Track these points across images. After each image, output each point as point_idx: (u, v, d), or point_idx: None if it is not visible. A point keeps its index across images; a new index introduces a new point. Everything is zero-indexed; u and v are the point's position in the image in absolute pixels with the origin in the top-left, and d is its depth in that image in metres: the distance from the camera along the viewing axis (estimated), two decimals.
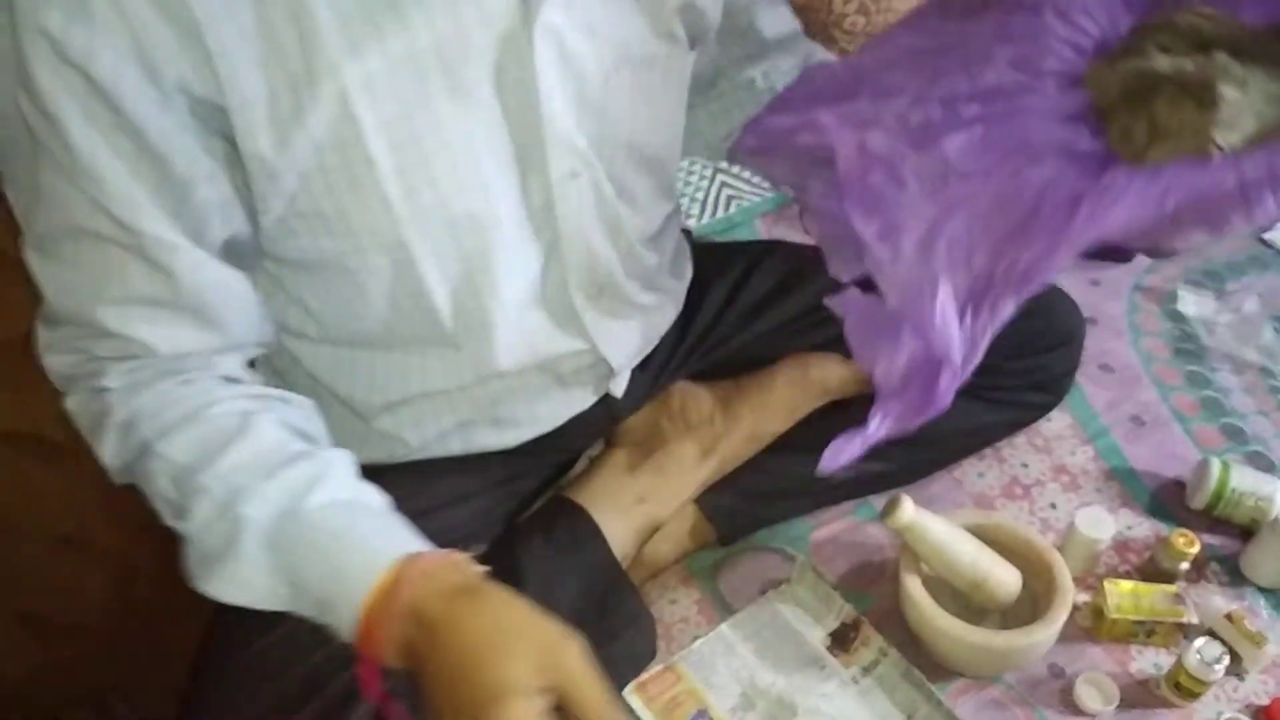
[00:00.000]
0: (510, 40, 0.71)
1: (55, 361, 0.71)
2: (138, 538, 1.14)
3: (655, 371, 1.06)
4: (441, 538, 0.79)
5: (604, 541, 1.00)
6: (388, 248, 0.73)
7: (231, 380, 0.74)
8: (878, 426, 0.81)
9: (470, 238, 0.77)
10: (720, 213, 1.49)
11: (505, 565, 0.91)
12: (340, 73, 0.65)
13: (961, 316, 0.76)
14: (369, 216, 0.71)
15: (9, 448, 1.00)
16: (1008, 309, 0.75)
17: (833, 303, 0.85)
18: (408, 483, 0.85)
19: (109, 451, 0.70)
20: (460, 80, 0.71)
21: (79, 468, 1.04)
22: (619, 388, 1.00)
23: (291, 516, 0.66)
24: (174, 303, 0.69)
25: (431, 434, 0.90)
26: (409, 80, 0.68)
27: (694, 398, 1.13)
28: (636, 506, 1.05)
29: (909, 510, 0.95)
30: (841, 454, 0.82)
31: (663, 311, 1.03)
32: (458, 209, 0.74)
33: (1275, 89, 0.75)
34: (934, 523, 0.97)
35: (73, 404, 0.72)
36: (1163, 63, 0.77)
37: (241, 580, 0.66)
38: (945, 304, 0.75)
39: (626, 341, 0.96)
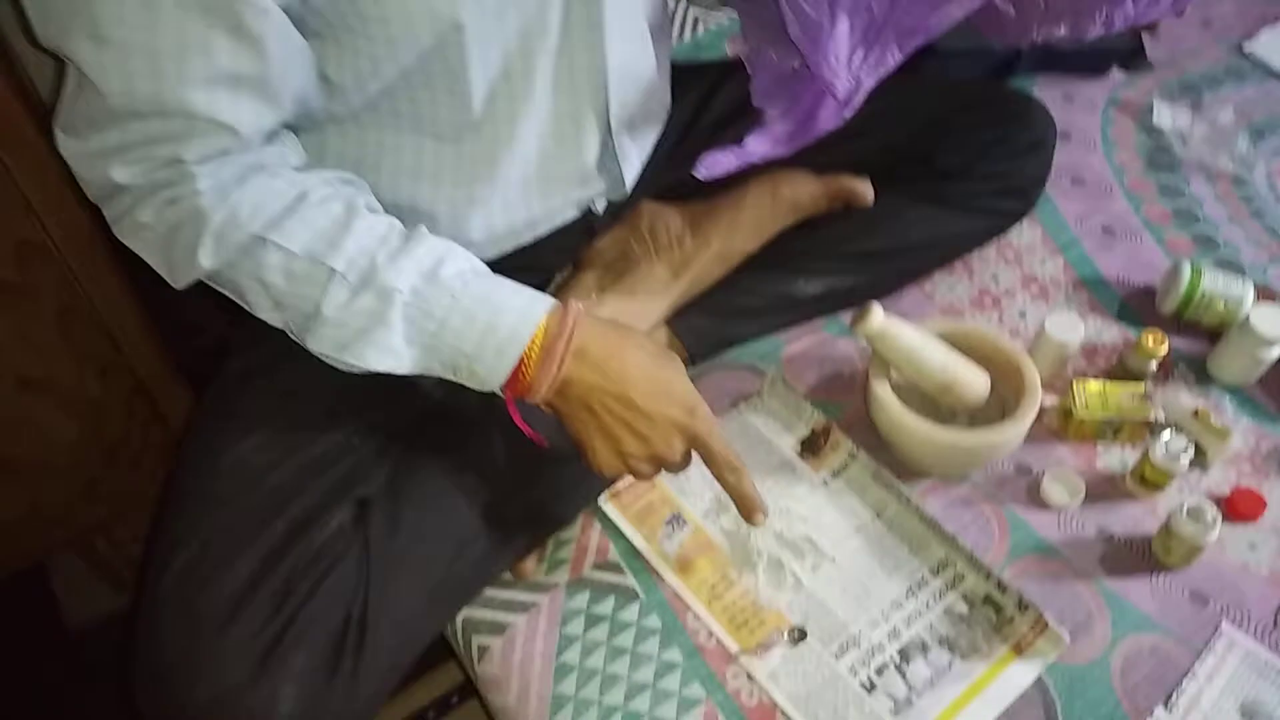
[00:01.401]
0: None
1: (124, 172, 0.68)
2: (102, 378, 1.13)
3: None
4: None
5: None
6: (438, 28, 0.72)
7: (303, 169, 0.75)
8: (755, 144, 0.93)
9: (518, 18, 0.76)
10: (688, 35, 1.44)
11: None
12: None
13: (852, 54, 0.86)
14: None
15: None
16: (894, 59, 0.87)
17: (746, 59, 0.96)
18: None
19: (207, 254, 0.70)
20: None
21: (35, 309, 1.02)
22: (601, 203, 0.98)
23: (433, 285, 0.71)
24: (257, 77, 0.67)
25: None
26: None
27: (663, 218, 1.11)
28: None
29: (879, 317, 0.95)
30: (718, 164, 0.92)
31: (660, 120, 1.00)
32: None
33: None
34: (903, 329, 0.97)
35: (147, 215, 0.70)
36: None
37: (390, 348, 0.71)
38: (840, 38, 0.85)
39: (638, 156, 0.95)
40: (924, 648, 0.88)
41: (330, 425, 0.83)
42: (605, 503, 0.97)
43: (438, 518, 0.84)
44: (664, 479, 0.99)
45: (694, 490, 0.98)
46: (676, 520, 0.97)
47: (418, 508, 0.84)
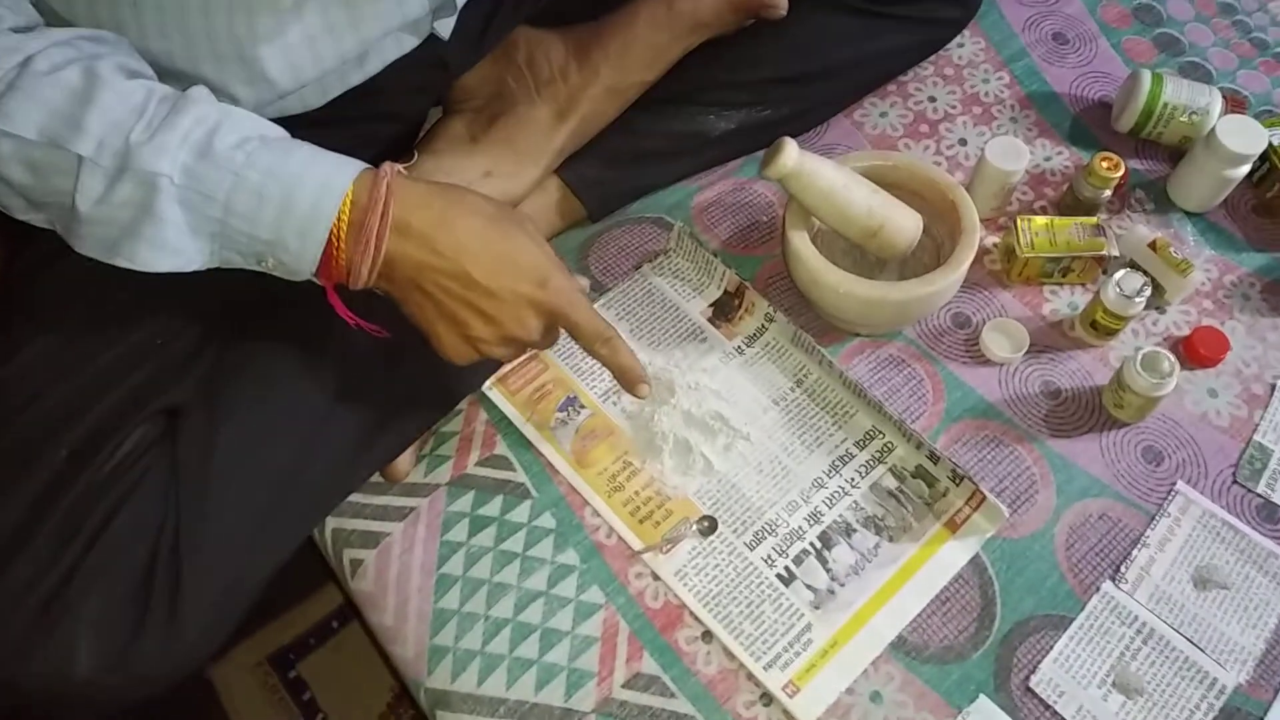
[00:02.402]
0: None
1: None
2: None
3: (489, 6, 0.86)
4: None
5: None
6: None
7: (25, 29, 0.59)
8: None
9: None
10: None
11: None
12: None
13: None
14: None
15: None
16: None
17: None
18: None
19: None
20: None
21: None
22: (446, 26, 0.81)
23: (207, 161, 0.57)
24: None
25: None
26: None
27: (543, 47, 0.94)
28: (481, 182, 0.90)
29: (792, 155, 0.81)
30: None
31: None
32: None
33: None
34: (822, 167, 0.83)
35: None
36: None
37: (167, 244, 0.58)
38: None
39: None
40: (848, 530, 0.79)
41: (128, 324, 0.69)
42: (490, 388, 0.85)
43: (273, 420, 0.72)
44: (556, 356, 0.87)
45: (591, 368, 0.87)
46: (573, 403, 0.85)
47: (246, 410, 0.70)
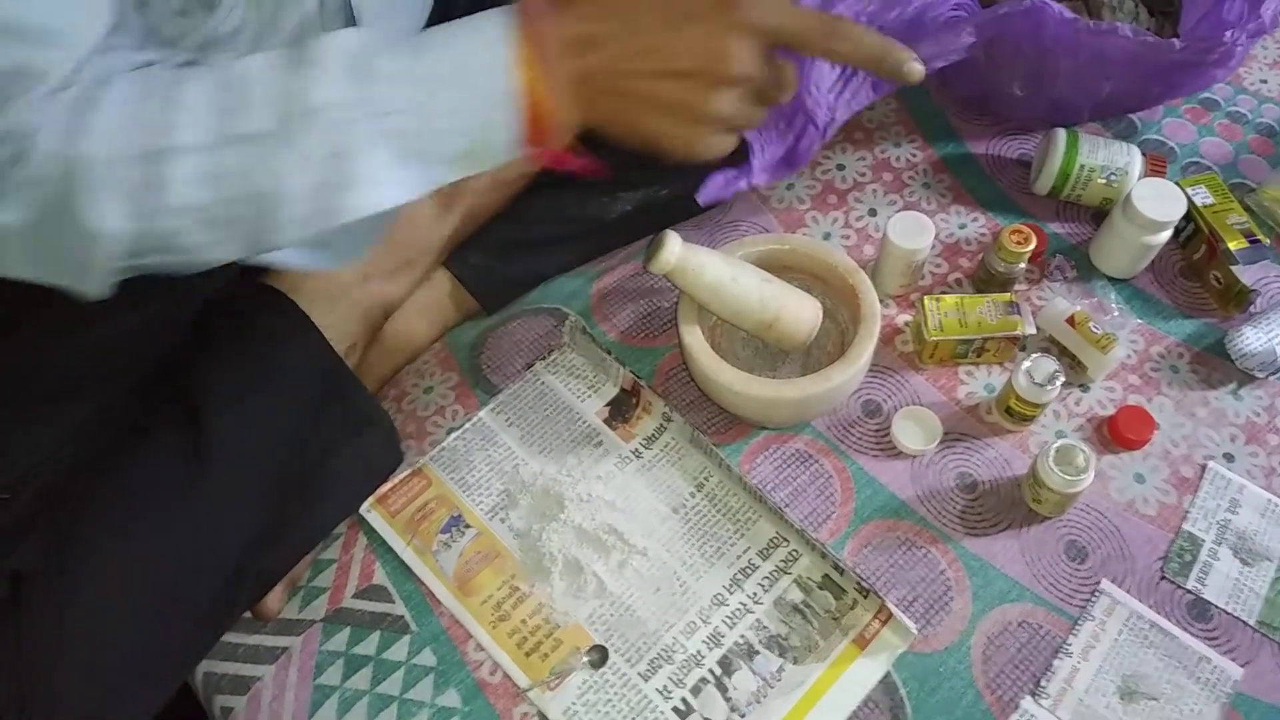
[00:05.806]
0: None
1: None
2: None
3: None
4: (104, 359, 0.70)
5: (317, 335, 0.80)
6: None
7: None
8: (759, 167, 0.81)
9: None
10: None
11: (188, 384, 0.72)
12: None
13: (833, 86, 0.82)
14: None
15: None
16: (868, 97, 0.84)
17: None
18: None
19: (114, 217, 0.50)
20: None
21: None
22: None
23: (369, 82, 0.53)
24: None
25: None
26: None
27: None
28: (359, 286, 0.85)
29: (674, 250, 0.76)
30: (724, 188, 0.79)
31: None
32: None
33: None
34: (709, 259, 0.79)
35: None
36: None
37: (376, 178, 0.54)
38: (823, 69, 0.82)
39: None
40: (750, 653, 0.74)
41: None
42: (370, 510, 0.80)
43: (136, 564, 0.67)
44: (440, 471, 0.82)
45: (479, 482, 0.82)
46: (457, 523, 0.80)
47: (105, 563, 0.65)
